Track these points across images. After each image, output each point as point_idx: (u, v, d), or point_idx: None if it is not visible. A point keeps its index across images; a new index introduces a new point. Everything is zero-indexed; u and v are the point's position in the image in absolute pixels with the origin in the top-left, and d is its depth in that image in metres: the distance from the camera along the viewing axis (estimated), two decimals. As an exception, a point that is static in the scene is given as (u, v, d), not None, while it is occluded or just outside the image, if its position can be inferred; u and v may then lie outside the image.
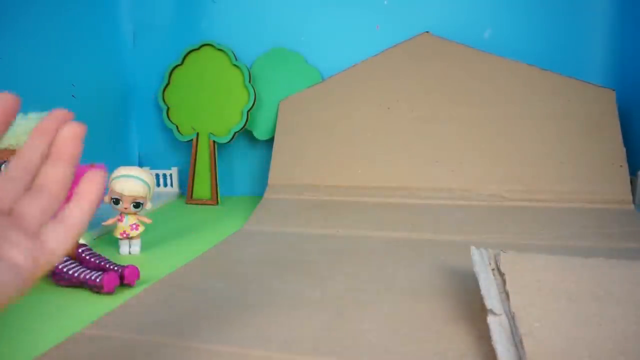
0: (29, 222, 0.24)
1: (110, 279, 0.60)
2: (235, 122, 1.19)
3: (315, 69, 1.20)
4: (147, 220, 0.79)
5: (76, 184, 0.72)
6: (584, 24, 1.09)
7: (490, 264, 0.51)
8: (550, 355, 0.36)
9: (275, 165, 1.11)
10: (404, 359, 0.43)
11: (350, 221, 0.93)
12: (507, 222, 0.86)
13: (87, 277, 0.61)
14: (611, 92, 0.99)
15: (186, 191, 1.23)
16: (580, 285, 0.44)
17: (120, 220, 0.77)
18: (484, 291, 0.46)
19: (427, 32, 1.11)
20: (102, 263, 0.65)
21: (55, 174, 0.25)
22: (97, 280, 0.60)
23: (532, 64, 1.03)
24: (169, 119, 1.24)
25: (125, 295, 0.59)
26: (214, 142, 1.21)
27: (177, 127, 1.23)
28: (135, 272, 0.63)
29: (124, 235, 0.78)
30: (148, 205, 0.78)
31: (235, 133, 1.19)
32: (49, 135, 0.26)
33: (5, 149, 0.65)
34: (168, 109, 1.24)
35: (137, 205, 0.77)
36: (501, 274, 0.48)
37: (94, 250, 0.69)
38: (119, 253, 0.78)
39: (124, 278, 0.62)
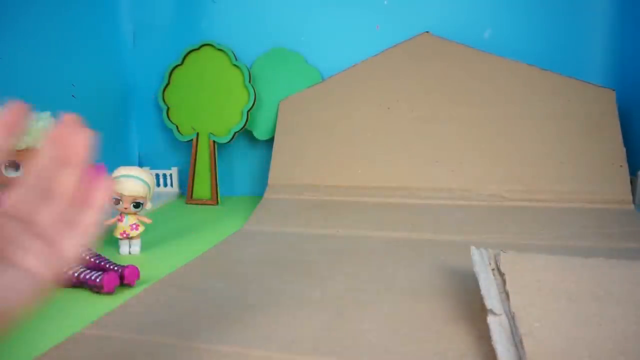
0: (44, 228, 0.24)
1: (110, 279, 0.60)
2: (235, 122, 1.19)
3: (315, 69, 1.20)
4: (147, 220, 0.79)
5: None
6: (584, 24, 1.09)
7: (490, 264, 0.51)
8: (550, 355, 0.36)
9: (275, 165, 1.11)
10: (404, 359, 0.43)
11: (350, 221, 0.93)
12: (507, 222, 0.86)
13: (87, 277, 0.61)
14: (611, 92, 0.99)
15: (186, 191, 1.23)
16: (580, 285, 0.44)
17: (120, 220, 0.77)
18: (484, 291, 0.46)
19: (427, 32, 1.11)
20: (102, 263, 0.65)
21: (68, 181, 0.26)
22: (97, 280, 0.60)
23: (532, 64, 1.03)
24: (169, 119, 1.24)
25: (125, 295, 0.59)
26: (214, 142, 1.20)
27: (177, 127, 1.23)
28: (135, 272, 0.63)
29: (124, 235, 0.78)
30: (148, 205, 0.78)
31: (235, 133, 1.19)
32: (62, 142, 0.26)
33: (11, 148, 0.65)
34: (168, 109, 1.24)
35: (137, 205, 0.77)
36: (501, 274, 0.48)
37: (94, 250, 0.69)
38: (119, 253, 0.78)
39: (124, 278, 0.62)
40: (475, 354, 0.42)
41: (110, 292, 0.60)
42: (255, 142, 1.27)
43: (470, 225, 0.86)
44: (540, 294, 0.43)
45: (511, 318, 0.41)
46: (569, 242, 0.77)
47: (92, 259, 0.66)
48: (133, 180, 0.75)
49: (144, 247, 0.80)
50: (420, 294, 0.57)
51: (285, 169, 1.10)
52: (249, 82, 1.18)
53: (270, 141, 1.18)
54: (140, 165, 1.33)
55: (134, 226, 0.78)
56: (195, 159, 1.21)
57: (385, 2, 1.17)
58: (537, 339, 0.38)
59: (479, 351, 0.43)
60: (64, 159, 0.26)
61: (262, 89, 1.21)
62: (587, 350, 0.36)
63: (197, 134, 1.22)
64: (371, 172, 1.04)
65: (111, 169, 0.78)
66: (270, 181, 1.09)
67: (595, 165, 0.94)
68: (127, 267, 0.63)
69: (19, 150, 0.66)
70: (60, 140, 0.26)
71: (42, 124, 0.68)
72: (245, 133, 1.25)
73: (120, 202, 0.76)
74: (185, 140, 1.23)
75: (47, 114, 0.70)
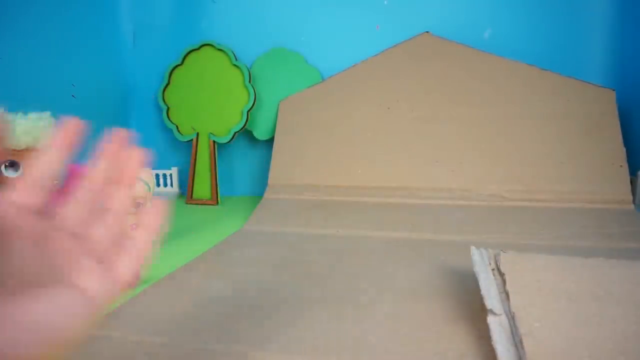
0: (97, 245, 0.23)
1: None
2: (235, 122, 1.19)
3: (315, 69, 1.20)
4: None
5: (75, 183, 0.71)
6: (584, 24, 1.09)
7: (490, 264, 0.51)
8: (550, 355, 0.36)
9: (275, 165, 1.11)
10: (404, 359, 0.43)
11: (350, 221, 0.92)
12: (507, 222, 0.86)
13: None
14: (611, 92, 0.99)
15: (186, 191, 1.23)
16: (580, 285, 0.44)
17: (120, 220, 0.77)
18: (484, 291, 0.46)
19: (427, 32, 1.11)
20: (102, 263, 0.65)
21: (120, 199, 0.25)
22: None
23: (532, 64, 1.03)
24: (169, 119, 1.24)
25: (126, 296, 0.59)
26: (214, 142, 1.20)
27: (177, 127, 1.23)
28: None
29: (124, 235, 0.77)
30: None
31: (235, 133, 1.19)
32: (113, 158, 0.25)
33: (5, 149, 0.65)
34: (168, 109, 1.24)
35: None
36: (501, 274, 0.48)
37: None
38: (119, 253, 0.78)
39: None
40: (475, 354, 0.42)
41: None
42: (255, 142, 1.27)
43: (470, 225, 0.86)
44: (540, 294, 0.43)
45: (511, 318, 0.41)
46: (569, 242, 0.77)
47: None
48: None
49: (144, 247, 0.80)
50: (420, 294, 0.57)
51: (285, 169, 1.10)
52: (249, 82, 1.18)
53: (270, 141, 1.18)
54: (140, 165, 1.33)
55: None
56: (195, 159, 1.21)
57: (385, 2, 1.17)
58: (537, 339, 0.38)
59: (479, 351, 0.43)
60: (116, 175, 0.25)
61: (262, 89, 1.21)
62: (587, 350, 0.36)
63: (197, 134, 1.22)
64: (371, 172, 1.04)
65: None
66: (270, 181, 1.09)
67: (595, 165, 0.94)
68: (127, 267, 0.62)
69: (18, 150, 0.66)
70: (112, 156, 0.25)
71: (42, 123, 0.68)
72: (245, 133, 1.25)
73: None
74: (185, 140, 1.23)
75: (47, 114, 0.69)
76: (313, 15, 1.21)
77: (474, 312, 0.50)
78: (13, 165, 0.65)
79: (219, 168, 1.24)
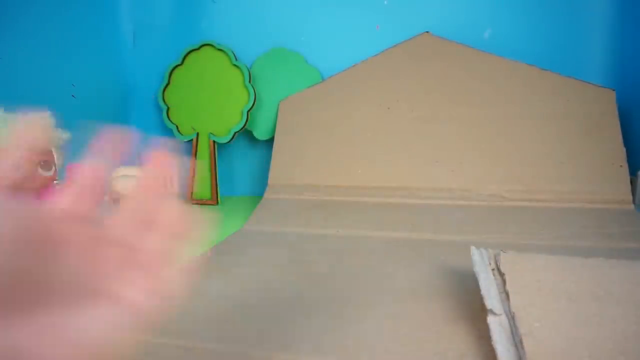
0: (144, 256, 0.23)
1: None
2: (235, 122, 1.19)
3: (315, 69, 1.20)
4: None
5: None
6: (584, 24, 1.09)
7: (490, 264, 0.51)
8: (550, 355, 0.36)
9: (275, 165, 1.11)
10: (404, 359, 0.43)
11: (350, 221, 0.92)
12: (507, 222, 0.86)
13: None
14: (611, 92, 0.99)
15: (186, 191, 1.23)
16: (580, 285, 0.44)
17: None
18: (484, 291, 0.46)
19: (427, 32, 1.11)
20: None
21: (168, 209, 0.24)
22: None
23: (532, 64, 1.03)
24: (169, 119, 1.24)
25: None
26: (214, 142, 1.20)
27: (177, 127, 1.23)
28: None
29: (124, 235, 0.77)
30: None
31: (235, 133, 1.19)
32: (161, 167, 0.25)
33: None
34: (168, 109, 1.24)
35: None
36: (501, 274, 0.48)
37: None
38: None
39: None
40: (475, 354, 0.42)
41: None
42: (255, 142, 1.27)
43: (470, 225, 0.86)
44: (540, 294, 0.43)
45: (511, 318, 0.41)
46: (569, 242, 0.77)
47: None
48: (133, 180, 0.75)
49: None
50: (420, 294, 0.57)
51: (285, 169, 1.10)
52: (249, 82, 1.18)
53: (270, 141, 1.18)
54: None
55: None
56: (195, 159, 1.22)
57: (385, 2, 1.17)
58: (537, 339, 0.37)
59: (479, 351, 0.43)
60: (163, 187, 0.25)
61: (262, 89, 1.21)
62: (587, 350, 0.36)
63: (197, 134, 1.22)
64: (371, 172, 1.04)
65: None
66: (270, 181, 1.09)
67: (595, 165, 0.94)
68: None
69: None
70: (160, 165, 0.25)
71: (42, 123, 0.67)
72: (245, 133, 1.25)
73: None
74: (185, 140, 1.23)
75: (47, 114, 0.69)
76: (313, 15, 1.21)
77: (474, 312, 0.50)
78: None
79: (219, 168, 1.24)
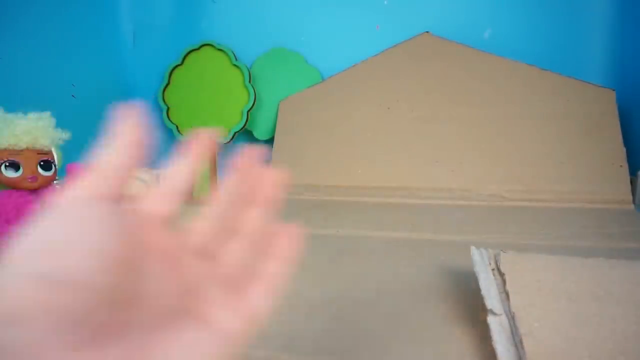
0: (228, 271, 0.21)
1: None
2: (235, 122, 1.19)
3: (315, 69, 1.20)
4: None
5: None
6: (584, 24, 1.09)
7: (490, 264, 0.51)
8: (550, 355, 0.36)
9: (275, 165, 1.11)
10: (404, 359, 0.43)
11: (350, 221, 0.92)
12: (507, 222, 0.86)
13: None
14: (611, 92, 0.99)
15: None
16: (580, 285, 0.44)
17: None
18: (484, 291, 0.46)
19: (427, 32, 1.11)
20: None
21: (253, 221, 0.22)
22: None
23: (532, 64, 1.03)
24: (169, 119, 1.24)
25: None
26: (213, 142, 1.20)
27: (177, 127, 1.23)
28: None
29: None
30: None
31: (235, 133, 1.19)
32: (246, 175, 0.23)
33: (5, 149, 0.65)
34: (168, 109, 1.24)
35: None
36: (501, 274, 0.48)
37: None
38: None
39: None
40: (475, 354, 0.42)
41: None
42: (255, 142, 1.27)
43: (470, 225, 0.86)
44: (540, 294, 0.43)
45: (511, 318, 0.41)
46: (569, 242, 0.77)
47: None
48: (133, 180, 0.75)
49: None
50: (420, 294, 0.57)
51: (285, 169, 1.10)
52: (249, 82, 1.18)
53: (270, 141, 1.18)
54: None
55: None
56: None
57: (385, 2, 1.17)
58: (537, 339, 0.38)
59: (479, 351, 0.43)
60: (250, 195, 0.22)
61: (262, 89, 1.21)
62: (587, 350, 0.36)
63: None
64: (371, 172, 1.04)
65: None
66: (270, 181, 1.09)
67: (595, 165, 0.94)
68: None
69: (19, 150, 0.66)
70: (245, 172, 0.23)
71: (42, 123, 0.68)
72: (245, 133, 1.25)
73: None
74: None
75: (47, 114, 0.70)
76: (313, 15, 1.21)
77: (474, 312, 0.50)
78: (13, 165, 0.65)
79: (219, 168, 1.24)
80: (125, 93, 1.30)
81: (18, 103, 0.68)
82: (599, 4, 1.08)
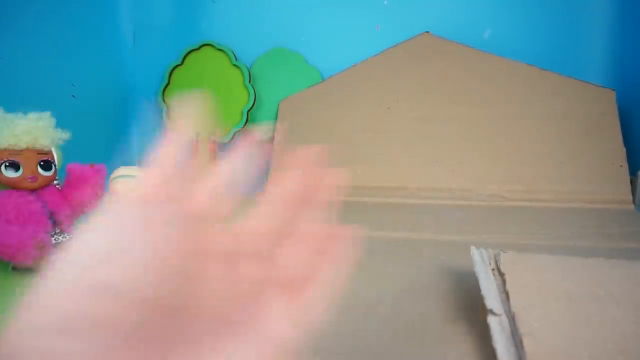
0: (284, 273, 0.19)
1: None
2: (235, 122, 1.19)
3: (315, 69, 1.20)
4: None
5: (75, 185, 0.72)
6: (584, 24, 1.09)
7: (490, 264, 0.51)
8: (550, 355, 0.36)
9: (274, 167, 1.11)
10: (404, 359, 0.43)
11: (350, 221, 0.92)
12: (507, 222, 0.86)
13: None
14: (611, 92, 0.99)
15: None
16: (580, 285, 0.44)
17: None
18: (484, 291, 0.46)
19: (427, 32, 1.11)
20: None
21: (308, 220, 0.21)
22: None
23: (532, 64, 1.03)
24: (169, 119, 1.24)
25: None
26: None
27: (177, 127, 1.23)
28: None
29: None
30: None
31: (235, 133, 1.19)
32: (305, 174, 0.22)
33: (5, 149, 0.65)
34: (168, 109, 1.24)
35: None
36: (501, 274, 0.48)
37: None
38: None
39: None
40: (475, 354, 0.42)
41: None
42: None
43: (470, 225, 0.86)
44: (540, 294, 0.43)
45: (511, 318, 0.41)
46: (569, 242, 0.77)
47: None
48: (133, 180, 0.75)
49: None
50: (420, 294, 0.57)
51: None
52: (249, 82, 1.18)
53: (270, 141, 1.18)
54: (140, 165, 1.33)
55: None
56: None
57: (385, 2, 1.17)
58: (537, 339, 0.37)
59: (479, 351, 0.43)
60: (311, 194, 0.21)
61: (262, 89, 1.21)
62: (587, 350, 0.36)
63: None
64: (371, 172, 1.04)
65: (111, 169, 0.78)
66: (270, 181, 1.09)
67: (595, 165, 0.94)
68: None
69: (19, 150, 0.66)
70: (305, 172, 0.22)
71: (42, 123, 0.68)
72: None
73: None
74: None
75: (47, 114, 0.70)
76: (313, 15, 1.21)
77: (474, 312, 0.50)
78: (13, 165, 0.65)
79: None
80: (125, 93, 1.30)
81: (18, 103, 0.68)
82: (599, 4, 1.08)
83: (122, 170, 0.77)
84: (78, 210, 0.73)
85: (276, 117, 1.17)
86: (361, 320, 0.51)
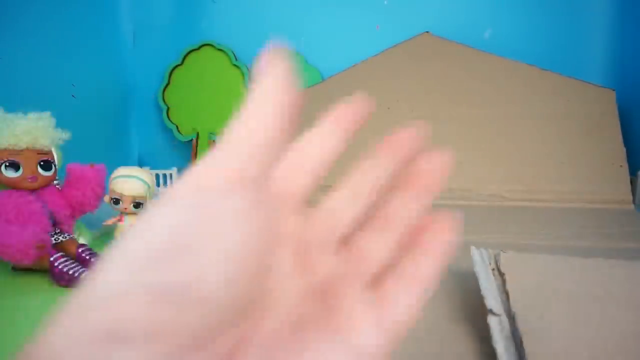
0: (369, 266, 0.17)
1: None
2: (235, 122, 1.19)
3: (315, 69, 1.20)
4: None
5: (75, 185, 0.72)
6: (584, 24, 1.09)
7: (490, 264, 0.51)
8: (550, 355, 0.36)
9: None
10: (404, 359, 0.43)
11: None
12: (507, 222, 0.86)
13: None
14: (611, 92, 0.99)
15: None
16: (580, 285, 0.44)
17: (120, 220, 0.77)
18: (484, 291, 0.46)
19: (427, 32, 1.11)
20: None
21: (404, 208, 0.18)
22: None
23: (532, 64, 1.03)
24: (169, 119, 1.24)
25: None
26: (214, 142, 1.20)
27: (177, 127, 1.23)
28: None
29: (124, 235, 0.77)
30: (148, 206, 0.78)
31: (235, 133, 1.19)
32: (400, 153, 0.19)
33: (5, 149, 0.65)
34: (168, 109, 1.24)
35: (137, 205, 0.77)
36: (501, 274, 0.48)
37: (94, 250, 0.69)
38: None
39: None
40: (475, 354, 0.42)
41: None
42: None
43: (470, 225, 0.86)
44: (540, 294, 0.43)
45: (511, 318, 0.41)
46: (569, 242, 0.77)
47: (92, 259, 0.66)
48: (133, 181, 0.75)
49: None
50: (420, 294, 0.57)
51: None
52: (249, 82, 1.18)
53: (270, 141, 1.18)
54: (140, 165, 1.33)
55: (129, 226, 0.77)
56: (195, 159, 1.21)
57: (385, 2, 1.17)
58: (537, 339, 0.37)
59: (479, 351, 0.43)
60: (403, 178, 0.19)
61: (262, 89, 1.21)
62: (587, 350, 0.36)
63: (197, 134, 1.22)
64: (371, 172, 1.04)
65: (111, 169, 0.78)
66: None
67: (595, 165, 0.94)
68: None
69: (19, 150, 0.66)
70: (399, 150, 0.19)
71: (42, 123, 0.68)
72: (245, 133, 1.25)
73: (120, 202, 0.75)
74: (185, 140, 1.23)
75: (47, 114, 0.70)
76: (313, 15, 1.21)
77: (474, 312, 0.50)
78: (13, 165, 0.65)
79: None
80: (125, 93, 1.30)
81: (18, 103, 0.68)
82: (599, 4, 1.08)
83: (122, 170, 0.77)
84: (78, 210, 0.73)
85: (276, 117, 1.17)
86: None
